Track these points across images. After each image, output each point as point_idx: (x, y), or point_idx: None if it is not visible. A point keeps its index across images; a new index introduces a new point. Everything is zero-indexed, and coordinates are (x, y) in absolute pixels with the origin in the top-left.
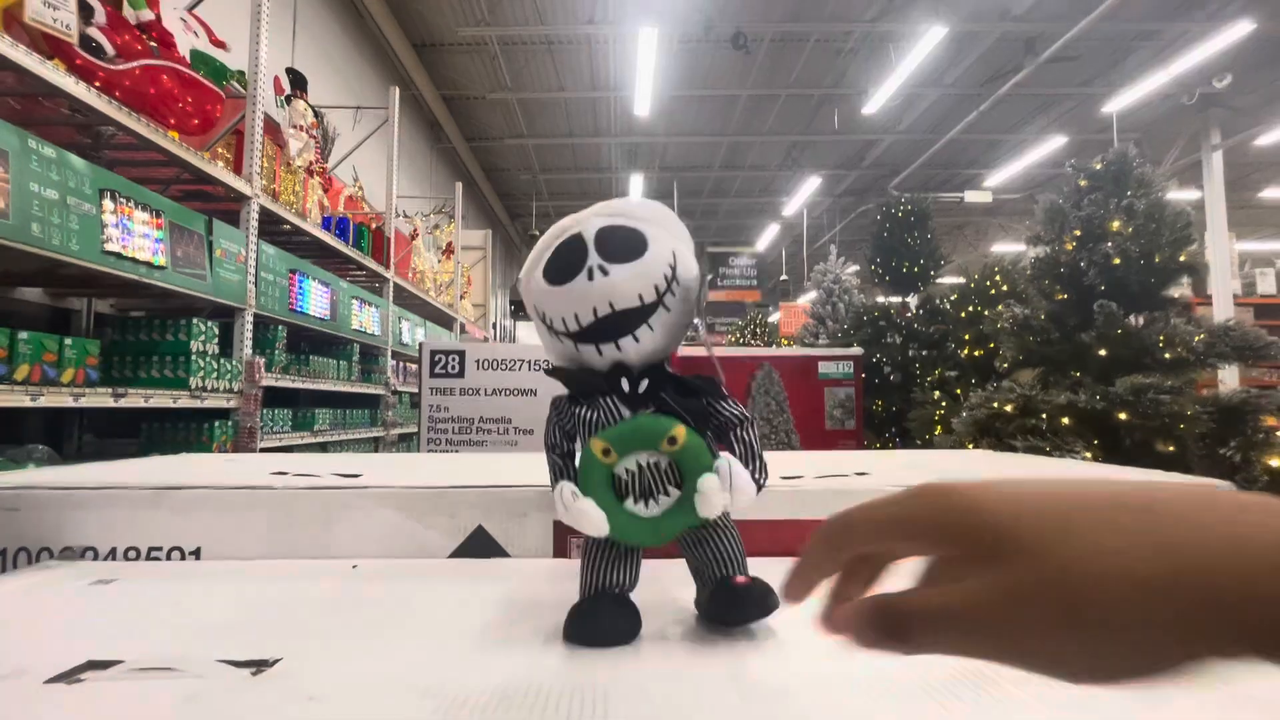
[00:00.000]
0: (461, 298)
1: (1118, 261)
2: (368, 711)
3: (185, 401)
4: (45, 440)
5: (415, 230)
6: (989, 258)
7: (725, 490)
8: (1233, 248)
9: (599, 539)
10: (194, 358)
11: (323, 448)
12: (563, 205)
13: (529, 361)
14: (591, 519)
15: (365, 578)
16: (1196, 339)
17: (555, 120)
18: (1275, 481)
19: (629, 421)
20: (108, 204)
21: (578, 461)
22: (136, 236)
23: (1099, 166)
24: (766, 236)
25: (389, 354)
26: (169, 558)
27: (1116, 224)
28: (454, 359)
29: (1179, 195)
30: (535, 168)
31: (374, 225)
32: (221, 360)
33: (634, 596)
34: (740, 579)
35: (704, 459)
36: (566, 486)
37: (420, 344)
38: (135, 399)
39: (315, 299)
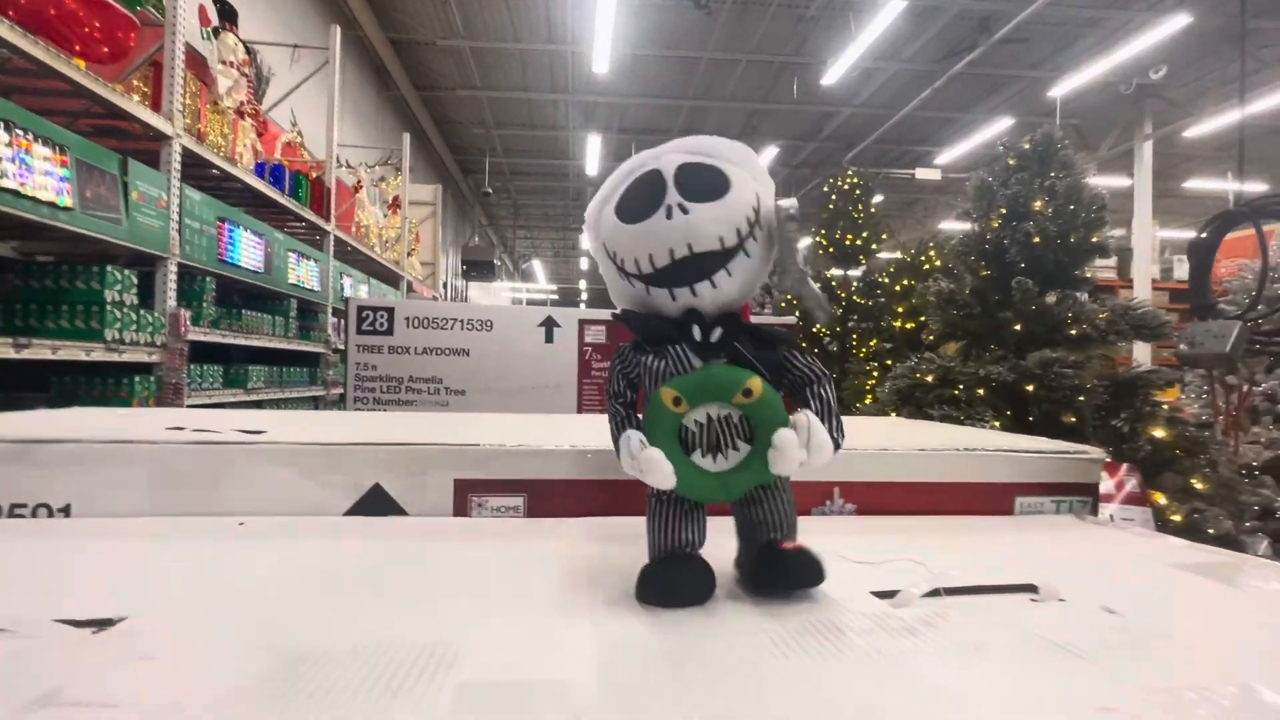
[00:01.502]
0: (409, 255)
1: (1037, 240)
2: (197, 669)
3: (100, 355)
4: None
5: (359, 182)
6: (937, 235)
7: (803, 447)
8: (1155, 234)
9: (664, 496)
10: (109, 308)
11: (258, 406)
12: (517, 163)
13: (461, 320)
14: (660, 469)
15: (249, 536)
16: (1100, 316)
17: (510, 73)
18: (1156, 451)
19: (701, 371)
20: (0, 134)
21: (643, 413)
22: (37, 174)
23: (1027, 146)
24: None
25: (329, 311)
26: (34, 515)
27: (1039, 203)
28: (382, 316)
29: (1110, 182)
30: (489, 122)
31: (314, 175)
32: (142, 312)
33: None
34: (789, 544)
35: (779, 413)
36: (634, 435)
37: (346, 299)
38: (41, 350)
39: (248, 250)
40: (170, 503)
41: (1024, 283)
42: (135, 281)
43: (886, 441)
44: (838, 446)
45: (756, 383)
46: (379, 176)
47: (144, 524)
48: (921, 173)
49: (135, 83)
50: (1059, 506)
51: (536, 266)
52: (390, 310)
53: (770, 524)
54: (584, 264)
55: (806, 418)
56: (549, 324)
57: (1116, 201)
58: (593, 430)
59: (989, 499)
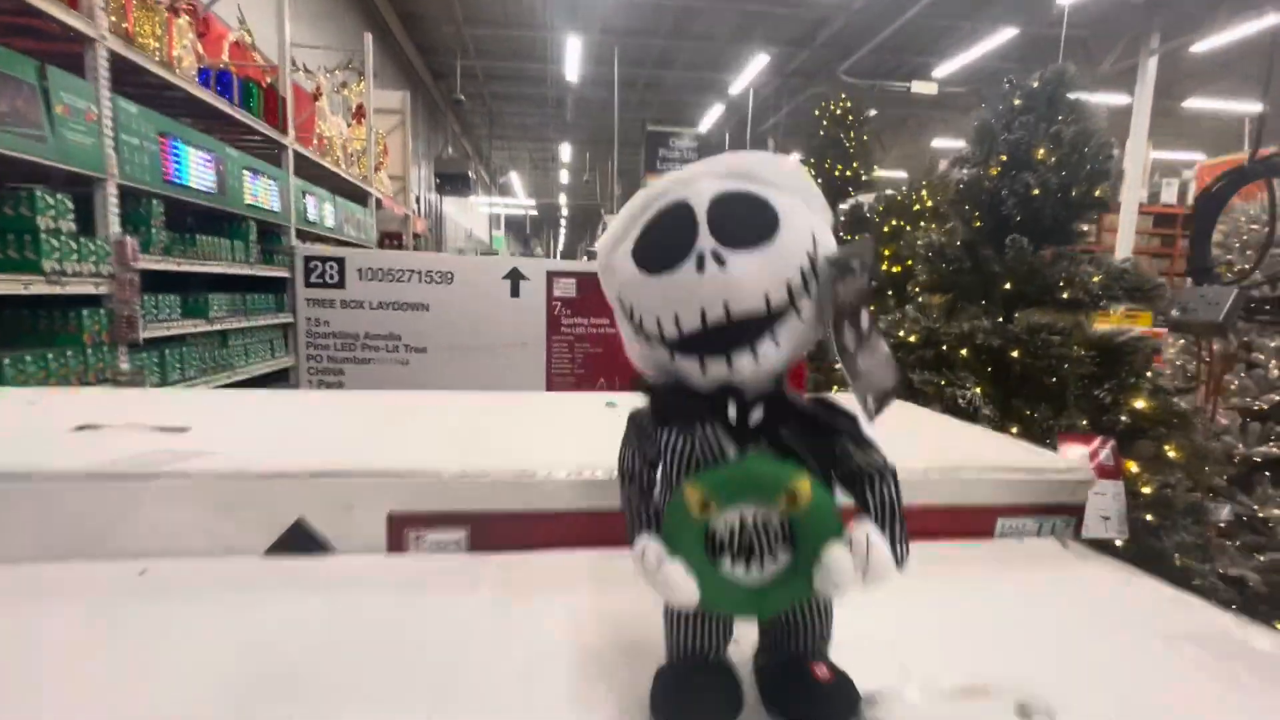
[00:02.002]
0: (377, 169)
1: (1037, 192)
2: None
3: (40, 288)
4: None
5: (319, 89)
6: (931, 172)
7: (859, 570)
8: (1148, 156)
9: None
10: (44, 236)
11: (222, 336)
12: (492, 66)
13: (419, 272)
14: (681, 590)
15: (147, 591)
16: (1094, 279)
17: None
18: (1135, 423)
19: (736, 465)
20: None
21: (661, 496)
22: None
23: (1035, 85)
24: (710, 117)
25: (293, 233)
26: None
27: (1042, 152)
28: (332, 267)
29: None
30: (460, 19)
31: (267, 81)
32: (83, 240)
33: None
34: (821, 670)
35: (830, 523)
36: (650, 547)
37: (292, 247)
38: None
39: (196, 169)
40: (62, 545)
41: (1018, 240)
42: (71, 206)
43: None
44: (901, 564)
45: (804, 486)
46: (340, 82)
47: (26, 576)
48: (918, 86)
49: None
50: (1041, 528)
51: (514, 180)
52: (340, 261)
53: (802, 633)
54: (564, 177)
55: (866, 536)
56: (515, 276)
57: (1112, 119)
58: (557, 432)
59: (969, 521)
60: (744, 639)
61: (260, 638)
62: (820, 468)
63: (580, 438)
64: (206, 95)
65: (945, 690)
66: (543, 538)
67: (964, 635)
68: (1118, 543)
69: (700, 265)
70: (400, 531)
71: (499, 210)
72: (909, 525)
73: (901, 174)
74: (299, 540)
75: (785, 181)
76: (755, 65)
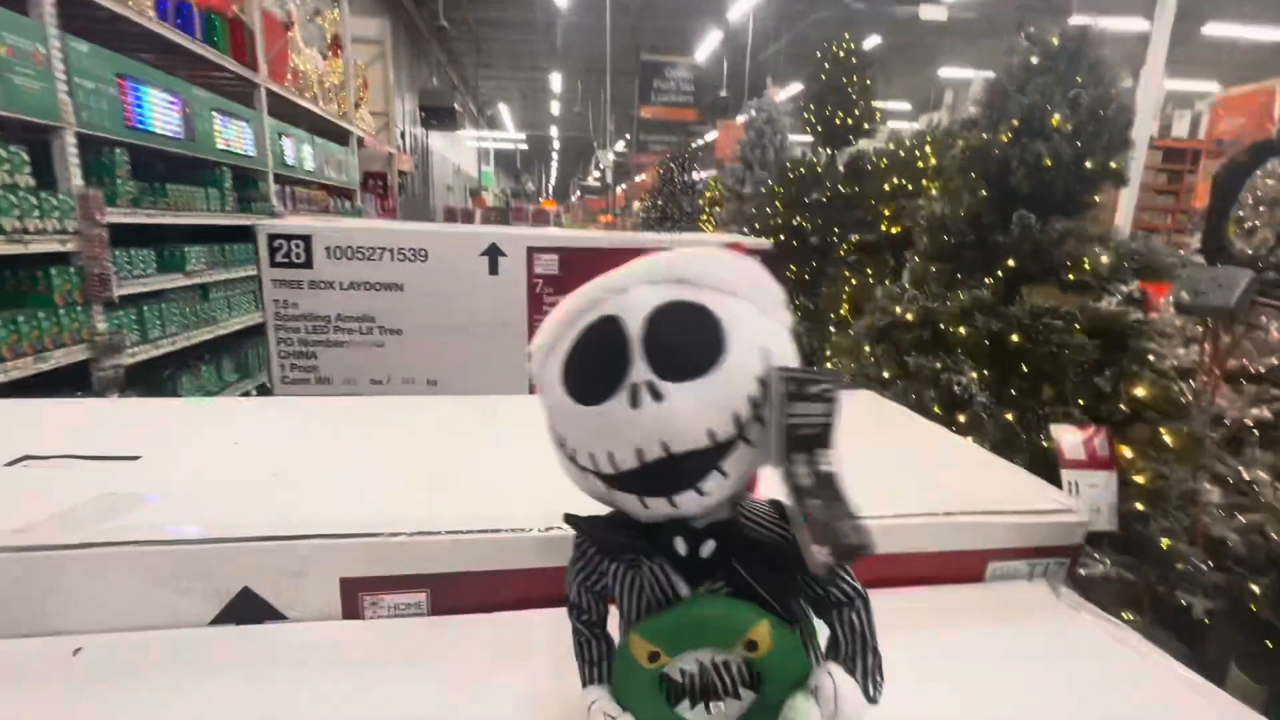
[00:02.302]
0: (357, 105)
1: (1049, 163)
2: None
3: (2, 248)
4: None
5: (290, 18)
6: (934, 82)
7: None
8: (1161, 86)
9: None
10: (1, 193)
11: (203, 290)
12: None
13: (391, 250)
14: None
15: (81, 675)
16: (1104, 258)
17: None
18: (1135, 412)
19: (686, 610)
20: None
21: (608, 636)
22: None
23: (1055, 41)
24: (708, 45)
25: (271, 178)
26: None
27: (1058, 119)
28: (297, 245)
29: (1125, 24)
30: None
31: (232, 11)
32: (43, 195)
33: None
34: None
35: (793, 666)
36: (598, 700)
37: (254, 226)
38: None
39: (160, 113)
40: None
41: (1025, 217)
42: (27, 159)
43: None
44: (874, 699)
45: (763, 633)
46: (314, 10)
47: None
48: (926, 11)
49: None
50: (1033, 570)
51: (504, 112)
52: (307, 238)
53: None
54: (555, 108)
55: (832, 683)
56: (493, 252)
57: (1127, 47)
58: (532, 456)
59: (958, 566)
60: None
61: (204, 719)
62: (784, 594)
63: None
64: (165, 30)
65: None
66: (511, 597)
67: (939, 706)
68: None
69: (635, 400)
70: (355, 596)
71: (488, 145)
72: (892, 567)
73: (905, 105)
74: (247, 609)
75: (734, 285)
76: None
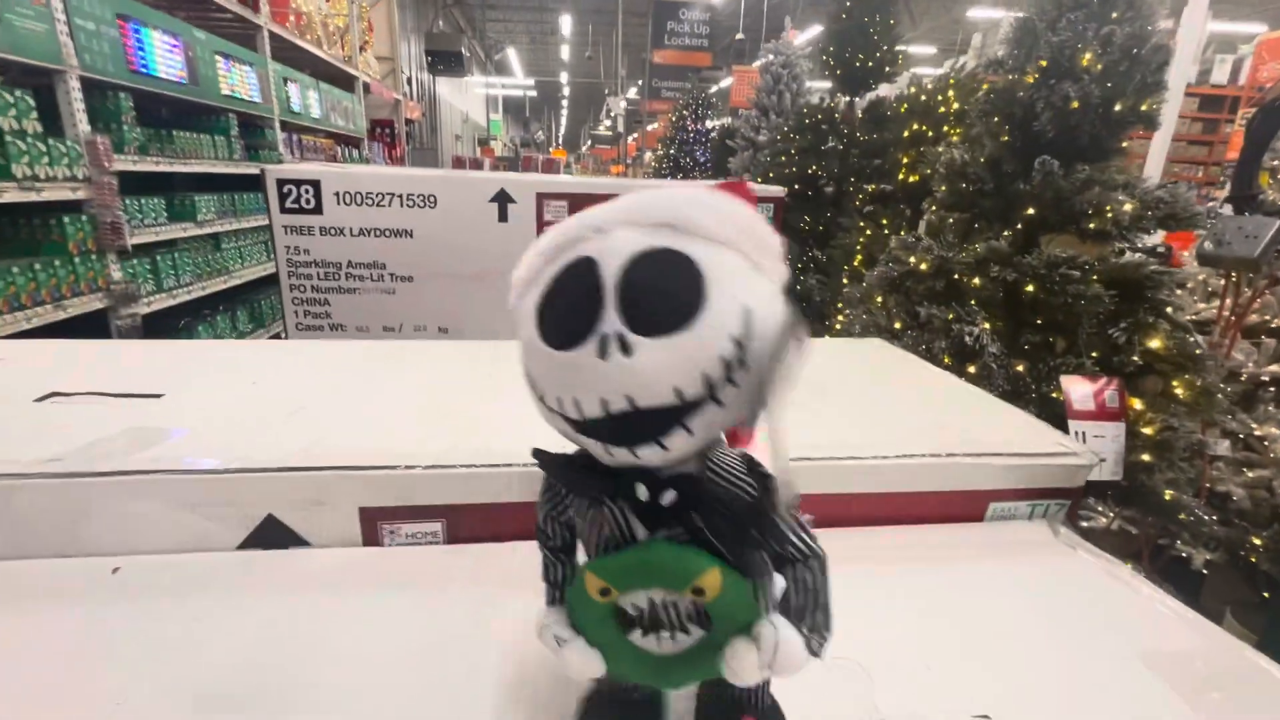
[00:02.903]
0: (362, 49)
1: (1075, 105)
2: None
3: (15, 195)
4: None
5: None
6: (961, 24)
7: (765, 667)
8: (1204, 26)
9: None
10: (9, 138)
11: (214, 239)
12: None
13: (400, 196)
14: (578, 669)
15: (122, 592)
16: (1127, 206)
17: None
18: (1148, 364)
19: (640, 553)
20: None
21: (571, 564)
22: None
23: None
24: None
25: (277, 124)
26: None
27: (1089, 57)
28: (307, 191)
29: None
30: None
31: None
32: (51, 141)
33: None
34: None
35: (740, 613)
36: (551, 625)
37: (263, 170)
38: None
39: (163, 56)
40: (32, 544)
41: (1047, 163)
42: (33, 104)
43: (854, 438)
44: (816, 654)
45: (713, 580)
46: None
47: (2, 576)
48: None
49: None
50: (1033, 511)
51: (512, 57)
52: (316, 183)
53: (736, 689)
54: (565, 53)
55: (774, 632)
56: (502, 199)
57: None
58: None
59: (960, 505)
60: None
61: (235, 636)
62: (739, 547)
63: None
64: None
65: (906, 697)
66: (521, 528)
67: (935, 642)
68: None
69: (603, 350)
70: (374, 525)
71: (496, 92)
72: (893, 507)
73: (930, 49)
74: (272, 535)
75: (725, 233)
76: None
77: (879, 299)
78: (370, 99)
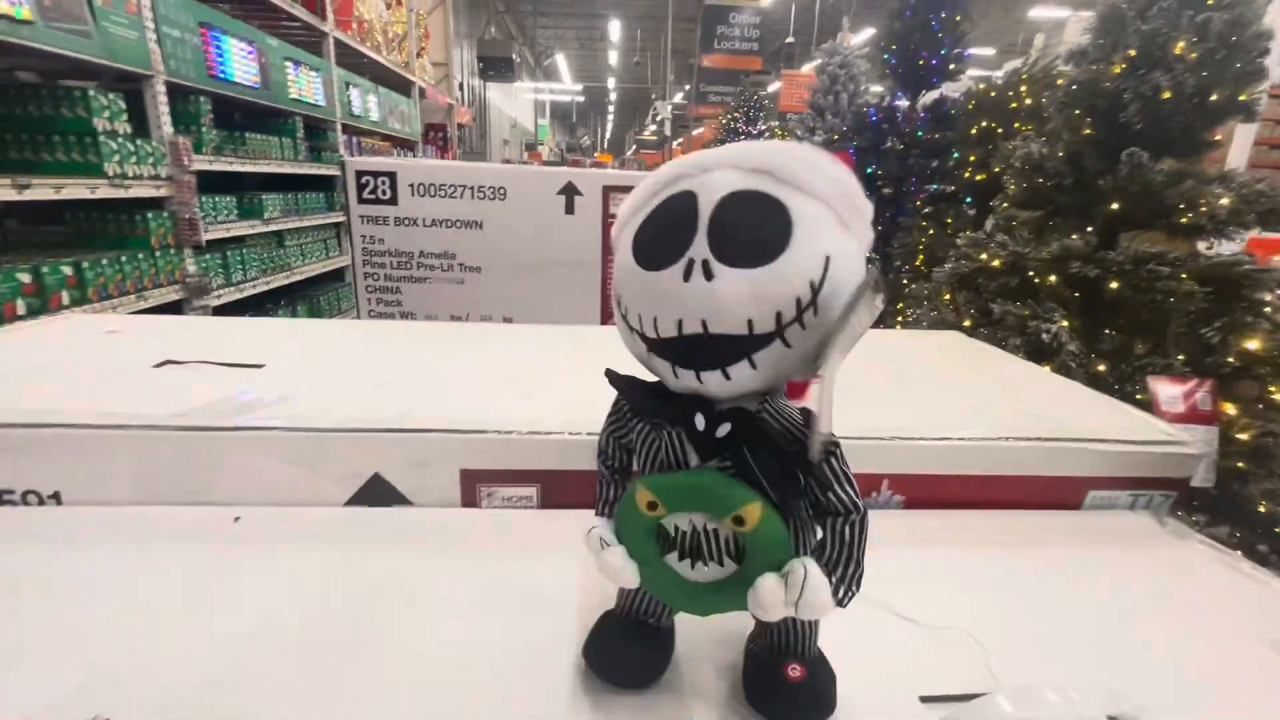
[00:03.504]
0: (419, 55)
1: (1167, 95)
2: None
3: (105, 191)
4: None
5: None
6: (1023, 24)
7: (790, 604)
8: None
9: None
10: (103, 138)
11: (278, 236)
12: None
13: (472, 188)
14: (615, 575)
15: (247, 538)
16: (1224, 200)
17: None
18: (1244, 365)
19: (690, 476)
20: None
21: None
22: None
23: None
24: None
25: (339, 127)
26: (24, 502)
27: (1181, 45)
28: (384, 182)
29: None
30: None
31: None
32: (139, 142)
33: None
34: (795, 671)
35: (776, 550)
36: (598, 529)
37: (343, 162)
38: (43, 190)
39: (239, 62)
40: (163, 491)
41: (1136, 154)
42: (124, 106)
43: (944, 415)
44: (843, 604)
45: (753, 512)
46: None
47: (134, 516)
48: None
49: None
50: (1135, 501)
51: (560, 63)
52: (392, 175)
53: (787, 628)
54: (612, 58)
55: (804, 572)
56: (569, 191)
57: None
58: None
59: (1056, 492)
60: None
61: (341, 581)
62: (783, 488)
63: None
64: None
65: (1027, 688)
66: None
67: (1046, 621)
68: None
69: (687, 274)
70: (473, 486)
71: (544, 97)
72: (985, 491)
73: (989, 51)
74: (378, 493)
75: (820, 188)
76: None
77: (947, 295)
78: (425, 103)
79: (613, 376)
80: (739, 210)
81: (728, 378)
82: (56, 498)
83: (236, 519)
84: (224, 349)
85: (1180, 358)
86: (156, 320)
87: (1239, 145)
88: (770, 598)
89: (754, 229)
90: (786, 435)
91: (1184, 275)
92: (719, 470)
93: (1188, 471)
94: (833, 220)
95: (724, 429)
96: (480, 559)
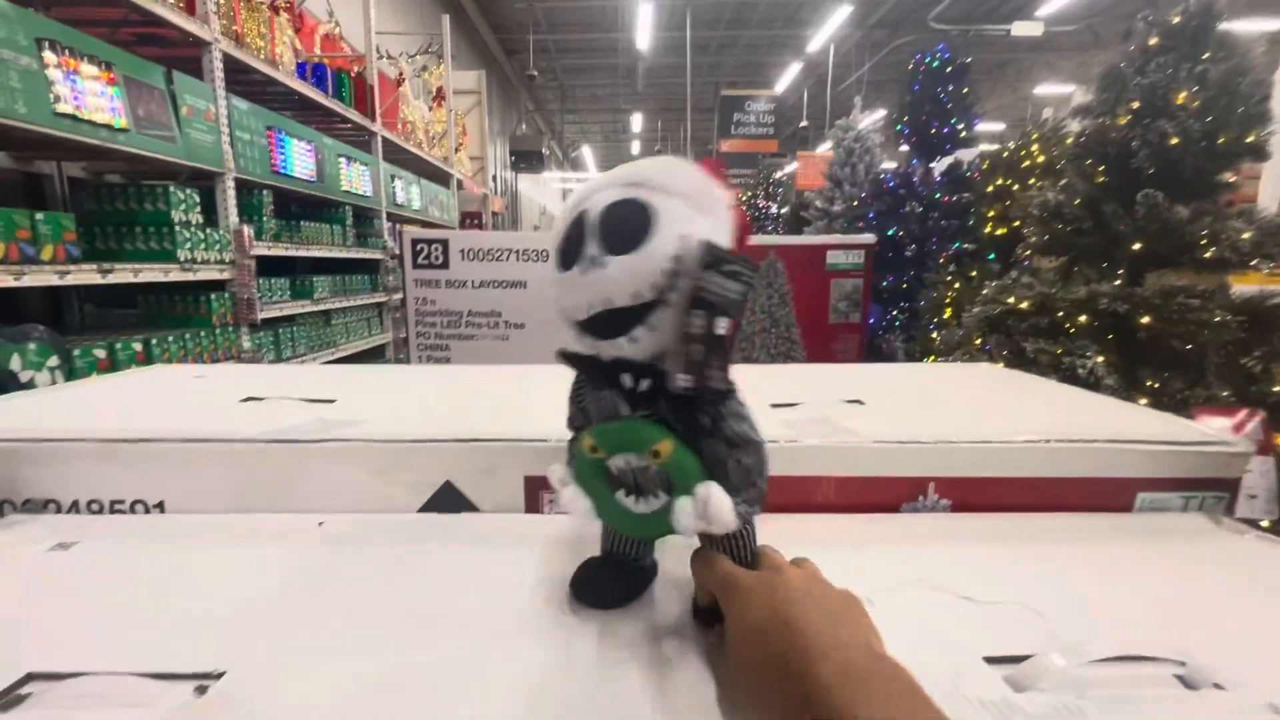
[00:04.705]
0: (457, 150)
1: (1175, 141)
2: None
3: (176, 275)
4: (44, 314)
5: (401, 74)
6: (1043, 125)
7: (699, 518)
8: None
9: None
10: (178, 228)
11: (325, 316)
12: (563, 39)
13: (517, 251)
14: (572, 507)
15: (332, 539)
16: (1244, 236)
17: None
18: None
19: (619, 422)
20: (49, 56)
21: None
22: (89, 95)
23: (1176, 20)
24: (787, 77)
25: (384, 215)
26: (133, 510)
27: (1183, 95)
28: (437, 248)
29: (1253, 26)
30: None
31: (355, 71)
32: (208, 230)
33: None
34: None
35: (688, 477)
36: (556, 469)
37: (398, 229)
38: (124, 274)
39: (299, 159)
40: (254, 500)
41: (1152, 195)
42: (198, 200)
43: (987, 425)
44: (744, 519)
45: (666, 445)
46: (421, 66)
47: (229, 522)
48: (1019, 28)
49: None
50: (1187, 503)
51: (586, 153)
52: (445, 242)
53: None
54: (635, 148)
55: (706, 492)
56: None
57: (1269, 48)
58: None
59: (1104, 494)
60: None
61: (417, 576)
62: (690, 430)
63: None
64: (306, 89)
65: (1098, 658)
66: None
67: (1111, 604)
68: (1263, 523)
69: (585, 267)
70: (535, 493)
71: (571, 185)
72: (1033, 494)
73: (998, 126)
74: (448, 500)
75: (679, 185)
76: (836, 18)
77: (978, 340)
78: (462, 193)
79: (563, 352)
80: (615, 215)
81: (634, 340)
82: (160, 506)
83: (321, 524)
84: (299, 389)
85: (1227, 393)
86: (237, 368)
87: (1268, 187)
88: (682, 513)
89: (626, 225)
90: (690, 394)
91: (1217, 309)
92: (643, 418)
93: (1237, 471)
94: (688, 208)
95: (644, 384)
96: (544, 557)
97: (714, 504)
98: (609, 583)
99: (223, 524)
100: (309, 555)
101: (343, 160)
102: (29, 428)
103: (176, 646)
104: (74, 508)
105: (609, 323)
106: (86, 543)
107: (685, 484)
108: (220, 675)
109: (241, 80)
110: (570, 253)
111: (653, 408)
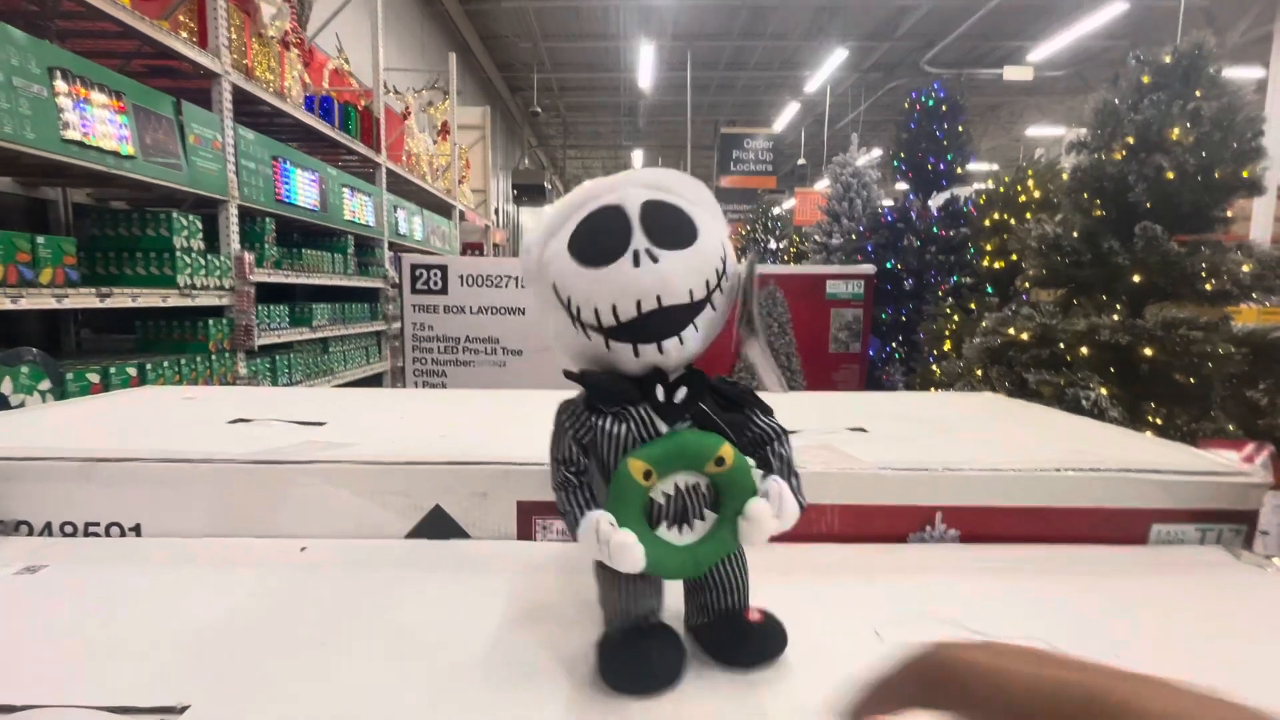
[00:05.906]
0: (460, 182)
1: (1171, 176)
2: None
3: (175, 300)
4: (40, 338)
5: (408, 109)
6: (1037, 161)
7: (776, 517)
8: None
9: None
10: (179, 254)
11: (323, 343)
12: (567, 78)
13: (515, 278)
14: (632, 555)
15: (313, 565)
16: (1244, 269)
17: None
18: None
19: (670, 438)
20: (60, 84)
21: (601, 478)
22: (98, 122)
23: (1168, 59)
24: (785, 116)
25: (385, 245)
26: (108, 533)
27: (1177, 132)
28: (435, 274)
29: (1239, 73)
30: (536, 34)
31: (362, 104)
32: (209, 256)
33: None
34: (753, 614)
35: (749, 481)
36: (603, 517)
37: (398, 257)
38: (122, 299)
39: (303, 188)
40: (234, 523)
41: (1150, 229)
42: (200, 226)
43: (995, 453)
44: (803, 509)
45: (729, 450)
46: (426, 101)
47: (207, 545)
48: (1011, 72)
49: (181, 18)
50: (1204, 536)
51: None
52: (444, 268)
53: (727, 589)
54: None
55: (778, 485)
56: None
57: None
58: None
59: (1118, 525)
60: (671, 605)
61: (403, 604)
62: (736, 428)
63: None
64: (313, 121)
65: None
66: None
67: (1129, 642)
68: (1277, 562)
69: (637, 261)
70: (529, 519)
71: None
72: (1044, 525)
73: (992, 166)
74: (437, 525)
75: (696, 195)
76: (833, 61)
77: (979, 371)
78: (464, 225)
79: (579, 376)
80: (658, 211)
81: (682, 342)
82: (137, 530)
83: (303, 549)
84: (289, 411)
85: (1232, 426)
86: (229, 390)
87: (1260, 220)
88: (763, 515)
89: (674, 222)
90: (727, 387)
91: (1220, 342)
92: (689, 429)
93: (1254, 502)
94: (713, 221)
95: (681, 393)
96: (536, 585)
97: (788, 497)
98: (666, 652)
99: (201, 548)
100: (288, 582)
101: (346, 190)
102: (4, 446)
103: (139, 678)
104: (46, 530)
105: (658, 323)
106: (56, 566)
107: (743, 489)
108: (184, 709)
109: (250, 111)
110: (607, 245)
111: (691, 417)
